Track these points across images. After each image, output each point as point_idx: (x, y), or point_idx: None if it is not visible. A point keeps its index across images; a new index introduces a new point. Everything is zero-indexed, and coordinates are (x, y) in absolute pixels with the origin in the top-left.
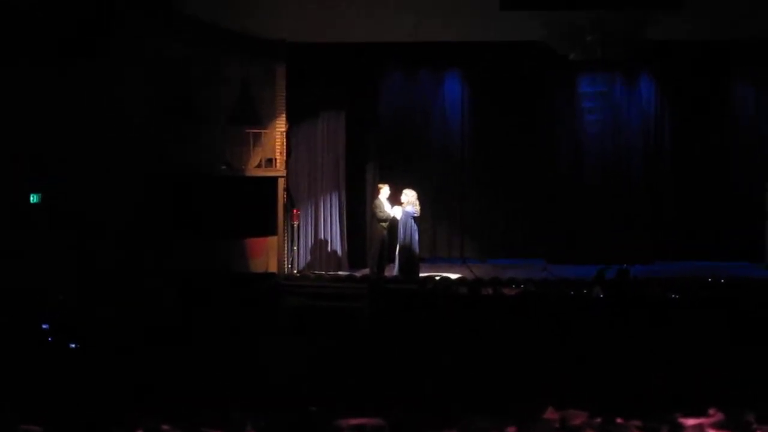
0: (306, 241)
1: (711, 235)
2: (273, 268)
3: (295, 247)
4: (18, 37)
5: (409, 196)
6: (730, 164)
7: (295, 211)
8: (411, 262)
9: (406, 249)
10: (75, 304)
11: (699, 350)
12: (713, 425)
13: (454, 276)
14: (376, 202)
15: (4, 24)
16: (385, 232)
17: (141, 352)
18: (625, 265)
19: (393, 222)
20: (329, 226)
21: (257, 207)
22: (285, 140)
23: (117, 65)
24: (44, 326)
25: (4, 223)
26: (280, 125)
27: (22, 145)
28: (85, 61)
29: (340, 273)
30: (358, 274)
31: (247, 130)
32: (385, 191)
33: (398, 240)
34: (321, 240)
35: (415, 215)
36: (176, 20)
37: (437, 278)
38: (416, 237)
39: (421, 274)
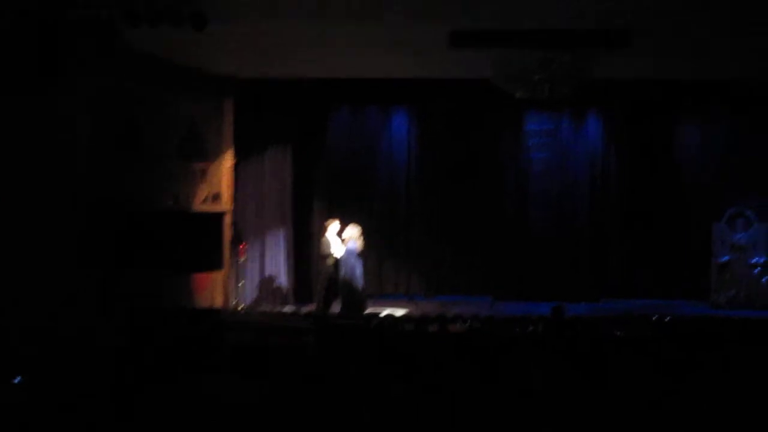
0: (252, 276)
1: (657, 274)
2: (219, 303)
3: (241, 283)
4: None
5: (352, 231)
6: (677, 203)
7: (241, 246)
8: (354, 297)
9: (347, 285)
10: (15, 337)
11: (643, 389)
12: None
13: (400, 312)
14: (323, 239)
15: None
16: (332, 268)
17: (84, 389)
18: (559, 303)
19: (337, 259)
20: (276, 261)
21: (203, 242)
22: (232, 175)
23: (63, 97)
24: None
25: None
26: (228, 160)
27: None
28: (29, 92)
29: (285, 309)
30: (304, 309)
31: (195, 165)
32: (333, 227)
33: (339, 276)
34: (267, 275)
35: (358, 251)
36: (123, 54)
37: (382, 314)
38: (358, 272)
39: (368, 310)
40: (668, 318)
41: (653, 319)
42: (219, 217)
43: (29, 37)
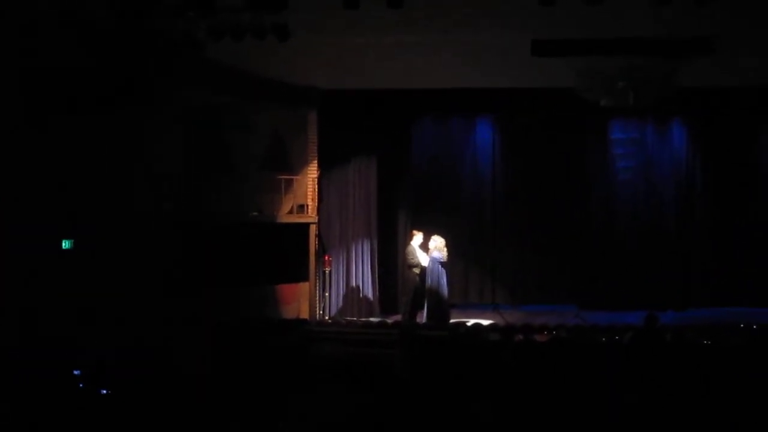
0: (338, 287)
1: (744, 281)
2: (305, 314)
3: (327, 293)
4: (50, 90)
5: (437, 242)
6: (763, 210)
7: (327, 257)
8: (439, 307)
9: (434, 294)
10: (107, 350)
11: (733, 398)
12: None
13: (485, 322)
14: (409, 248)
15: (39, 79)
16: (417, 278)
17: (173, 401)
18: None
19: (423, 268)
20: (361, 271)
21: (289, 253)
22: (317, 186)
23: (148, 114)
24: (75, 372)
25: (38, 269)
26: (312, 171)
27: (55, 193)
28: (117, 111)
29: (372, 319)
30: (390, 320)
31: (279, 177)
32: (418, 238)
33: (426, 285)
34: (353, 286)
35: (442, 261)
36: (207, 68)
37: (468, 324)
38: (444, 282)
39: (452, 320)
40: (755, 326)
41: (741, 327)
42: (304, 227)
43: (117, 55)
